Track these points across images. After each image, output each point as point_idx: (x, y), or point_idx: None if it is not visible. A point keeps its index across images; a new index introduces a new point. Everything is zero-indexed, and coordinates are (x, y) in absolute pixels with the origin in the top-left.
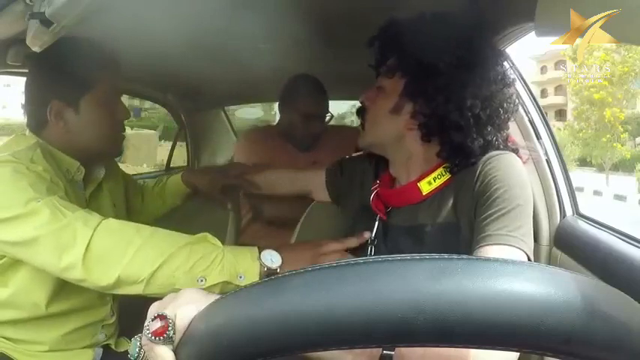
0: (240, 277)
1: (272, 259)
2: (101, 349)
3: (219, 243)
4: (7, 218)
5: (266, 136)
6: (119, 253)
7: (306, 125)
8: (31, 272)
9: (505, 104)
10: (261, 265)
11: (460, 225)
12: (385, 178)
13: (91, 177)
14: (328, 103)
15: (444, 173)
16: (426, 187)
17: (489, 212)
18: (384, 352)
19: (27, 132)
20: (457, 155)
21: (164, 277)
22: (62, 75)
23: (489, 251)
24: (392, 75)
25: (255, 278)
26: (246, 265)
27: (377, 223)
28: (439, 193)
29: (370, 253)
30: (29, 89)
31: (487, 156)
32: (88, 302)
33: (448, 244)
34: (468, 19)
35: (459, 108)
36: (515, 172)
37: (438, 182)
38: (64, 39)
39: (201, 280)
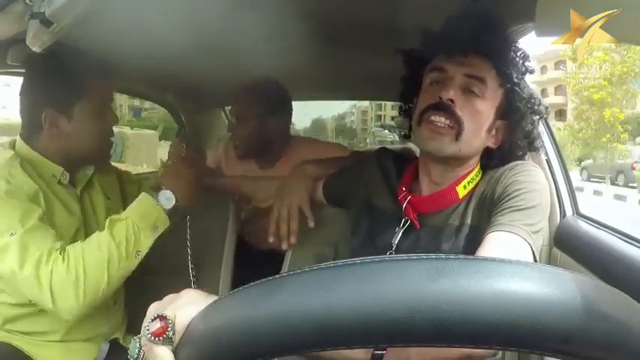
0: (157, 228)
1: (167, 198)
2: (108, 344)
3: (122, 215)
4: None
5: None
6: (74, 288)
7: (243, 131)
8: None
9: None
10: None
11: (482, 230)
12: (406, 182)
13: (80, 174)
14: (273, 106)
15: (477, 173)
16: (462, 190)
17: (505, 206)
18: (375, 352)
19: (17, 139)
20: (497, 159)
21: (116, 277)
22: (56, 83)
23: (497, 237)
24: (491, 87)
25: (166, 221)
26: (152, 216)
27: (402, 229)
28: (467, 196)
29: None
30: (24, 97)
31: (513, 164)
32: None
33: (471, 247)
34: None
35: (535, 130)
36: (536, 179)
37: (471, 185)
38: (57, 48)
39: (138, 255)
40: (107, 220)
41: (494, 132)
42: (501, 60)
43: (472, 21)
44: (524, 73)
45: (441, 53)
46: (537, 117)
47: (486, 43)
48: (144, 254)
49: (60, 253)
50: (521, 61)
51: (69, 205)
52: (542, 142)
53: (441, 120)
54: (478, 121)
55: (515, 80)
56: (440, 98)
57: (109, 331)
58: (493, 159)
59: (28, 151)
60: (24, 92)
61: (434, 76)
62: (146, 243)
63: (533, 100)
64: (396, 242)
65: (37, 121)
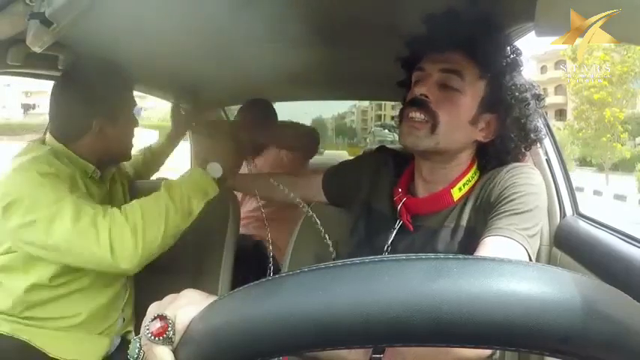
0: (208, 193)
1: (215, 170)
2: (119, 338)
3: (176, 181)
4: (33, 220)
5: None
6: (132, 236)
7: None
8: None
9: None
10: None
11: (477, 232)
12: (402, 184)
13: (106, 172)
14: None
15: (474, 175)
16: (457, 193)
17: (502, 210)
18: (373, 355)
19: (47, 137)
20: (494, 158)
21: (171, 231)
22: (106, 94)
23: (493, 241)
24: (470, 79)
25: (216, 188)
26: (203, 183)
27: (396, 230)
28: (463, 198)
29: None
30: (67, 105)
31: (510, 166)
32: (102, 278)
33: (467, 249)
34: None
35: (529, 121)
36: (533, 182)
37: (467, 187)
38: (100, 61)
39: (190, 215)
40: (163, 183)
41: (482, 125)
42: (478, 51)
43: (447, 18)
44: (510, 65)
45: (422, 53)
46: (524, 105)
47: (460, 36)
48: (194, 217)
49: (113, 213)
50: (504, 52)
51: (99, 199)
52: (544, 134)
53: (416, 115)
54: (456, 114)
55: (497, 71)
56: (415, 95)
57: (122, 327)
58: (489, 157)
59: (62, 149)
60: (68, 101)
61: (416, 76)
62: (197, 206)
63: (514, 88)
64: (390, 243)
65: (84, 127)
